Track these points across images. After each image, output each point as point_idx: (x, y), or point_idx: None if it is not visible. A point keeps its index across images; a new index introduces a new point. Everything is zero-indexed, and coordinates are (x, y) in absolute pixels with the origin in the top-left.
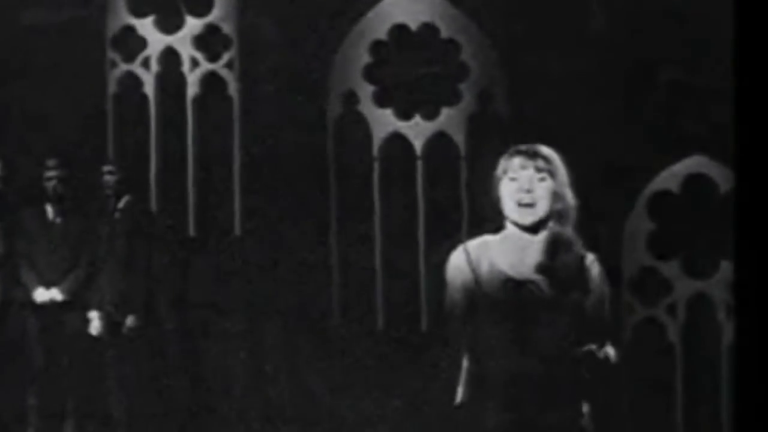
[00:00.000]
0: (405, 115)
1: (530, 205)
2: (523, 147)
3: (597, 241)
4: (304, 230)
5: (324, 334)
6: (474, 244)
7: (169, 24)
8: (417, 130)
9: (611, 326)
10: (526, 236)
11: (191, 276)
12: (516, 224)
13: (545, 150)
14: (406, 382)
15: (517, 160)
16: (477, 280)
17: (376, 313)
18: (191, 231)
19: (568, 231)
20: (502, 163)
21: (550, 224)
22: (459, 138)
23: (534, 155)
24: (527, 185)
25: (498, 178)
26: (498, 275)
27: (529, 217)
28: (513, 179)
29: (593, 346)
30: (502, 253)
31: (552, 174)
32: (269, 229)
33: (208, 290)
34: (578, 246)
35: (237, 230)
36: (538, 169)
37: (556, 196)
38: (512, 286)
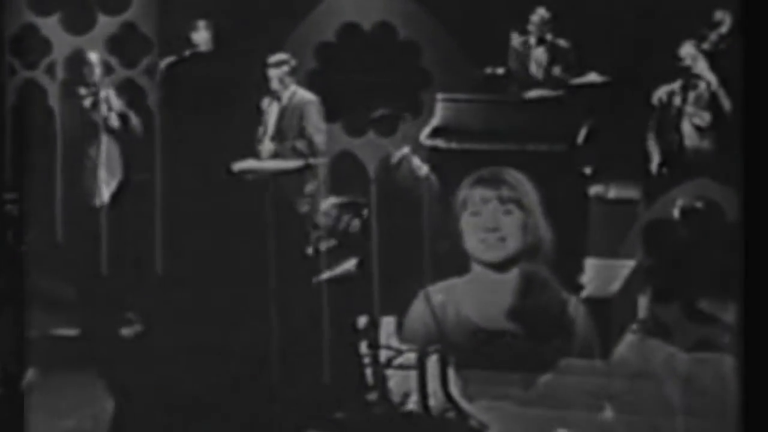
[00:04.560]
0: (357, 130)
1: (497, 242)
2: (485, 173)
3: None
4: (237, 268)
5: (260, 388)
6: (438, 289)
7: (78, 23)
8: (371, 149)
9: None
10: (495, 275)
11: None
12: (482, 262)
13: (511, 174)
14: None
15: (478, 192)
16: (441, 331)
17: (321, 364)
18: (104, 269)
19: (542, 269)
20: (462, 193)
21: (521, 262)
22: (420, 157)
23: (497, 183)
24: (492, 222)
25: (458, 211)
26: (466, 324)
27: (496, 255)
28: (475, 213)
29: None
30: (470, 297)
31: (520, 204)
32: (195, 267)
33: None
34: (555, 286)
35: (158, 268)
36: (503, 201)
37: (526, 228)
38: (483, 337)
